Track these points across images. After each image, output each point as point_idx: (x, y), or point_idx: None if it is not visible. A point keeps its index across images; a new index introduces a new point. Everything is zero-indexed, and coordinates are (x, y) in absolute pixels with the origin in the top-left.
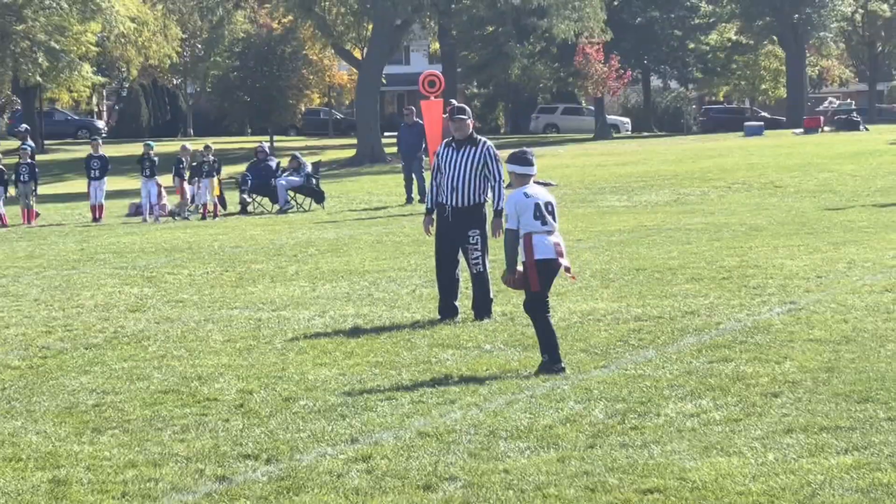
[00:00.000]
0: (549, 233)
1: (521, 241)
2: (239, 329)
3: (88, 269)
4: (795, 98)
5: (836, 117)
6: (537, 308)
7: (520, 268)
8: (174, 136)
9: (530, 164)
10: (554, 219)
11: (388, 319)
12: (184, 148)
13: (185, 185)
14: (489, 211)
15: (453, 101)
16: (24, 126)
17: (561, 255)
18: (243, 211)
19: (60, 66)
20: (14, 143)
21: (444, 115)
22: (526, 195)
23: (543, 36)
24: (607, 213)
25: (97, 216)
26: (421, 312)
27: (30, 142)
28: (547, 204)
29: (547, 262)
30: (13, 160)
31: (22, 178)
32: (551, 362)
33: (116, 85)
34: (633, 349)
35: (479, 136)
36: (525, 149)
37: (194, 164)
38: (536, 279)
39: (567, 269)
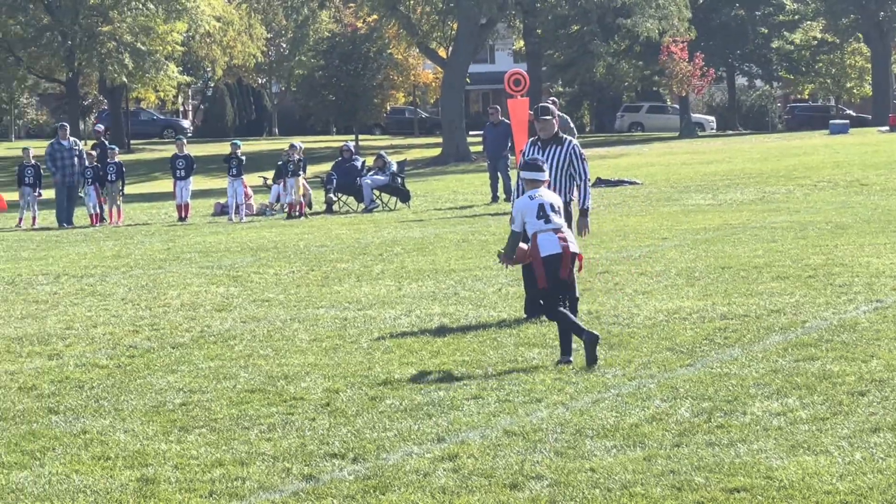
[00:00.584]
0: (555, 230)
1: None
2: (325, 328)
3: (175, 268)
4: (881, 96)
5: None
6: (552, 306)
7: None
8: (259, 135)
9: (540, 169)
10: (560, 217)
11: (475, 318)
12: (292, 146)
13: (303, 182)
14: (575, 210)
15: (549, 103)
16: (100, 126)
17: (567, 246)
18: (329, 210)
19: (146, 66)
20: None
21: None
22: (530, 198)
23: (628, 34)
24: (692, 211)
25: (183, 216)
26: (507, 311)
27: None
28: (551, 204)
29: (552, 258)
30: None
31: (109, 177)
32: (581, 338)
33: (202, 84)
34: (718, 347)
35: (564, 136)
36: (536, 157)
37: (280, 163)
38: (543, 276)
39: (579, 259)
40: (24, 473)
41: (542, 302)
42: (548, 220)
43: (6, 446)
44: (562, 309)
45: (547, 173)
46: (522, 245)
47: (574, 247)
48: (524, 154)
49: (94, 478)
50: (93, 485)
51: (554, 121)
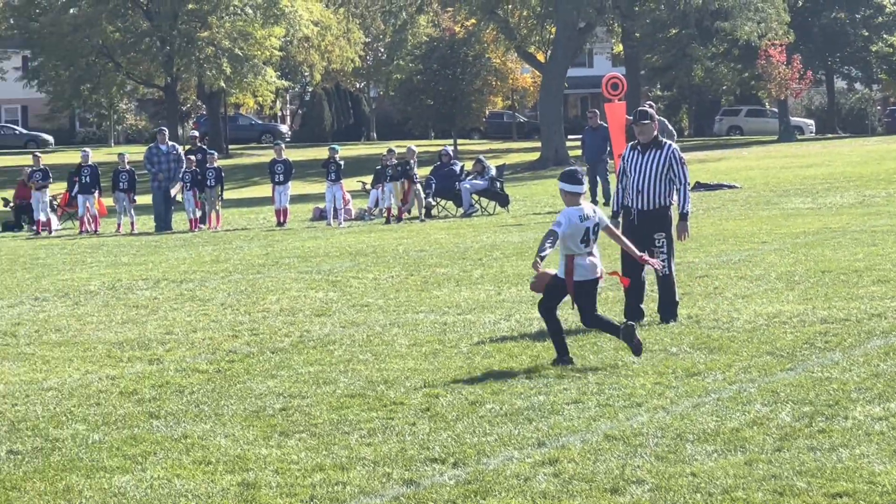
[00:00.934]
0: (589, 253)
1: (563, 259)
2: (424, 333)
3: (273, 273)
4: None
5: None
6: (550, 307)
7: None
8: (357, 139)
9: (580, 182)
10: (595, 238)
11: (574, 323)
12: (409, 150)
13: (416, 186)
14: (675, 214)
15: (647, 107)
16: (195, 132)
17: (600, 272)
18: (427, 214)
19: (244, 71)
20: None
21: (628, 118)
22: (581, 219)
23: (726, 38)
24: (792, 215)
25: (282, 221)
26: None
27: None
28: (595, 226)
29: (584, 283)
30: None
31: (209, 182)
32: (559, 356)
33: (300, 89)
34: (819, 351)
35: (663, 140)
36: (576, 167)
37: (378, 167)
38: (573, 289)
39: (614, 273)
40: (127, 478)
41: (542, 298)
42: (587, 245)
43: (108, 451)
44: (557, 317)
45: (585, 185)
46: (549, 271)
47: (600, 267)
48: (623, 158)
49: (196, 482)
50: (194, 489)
51: (653, 125)
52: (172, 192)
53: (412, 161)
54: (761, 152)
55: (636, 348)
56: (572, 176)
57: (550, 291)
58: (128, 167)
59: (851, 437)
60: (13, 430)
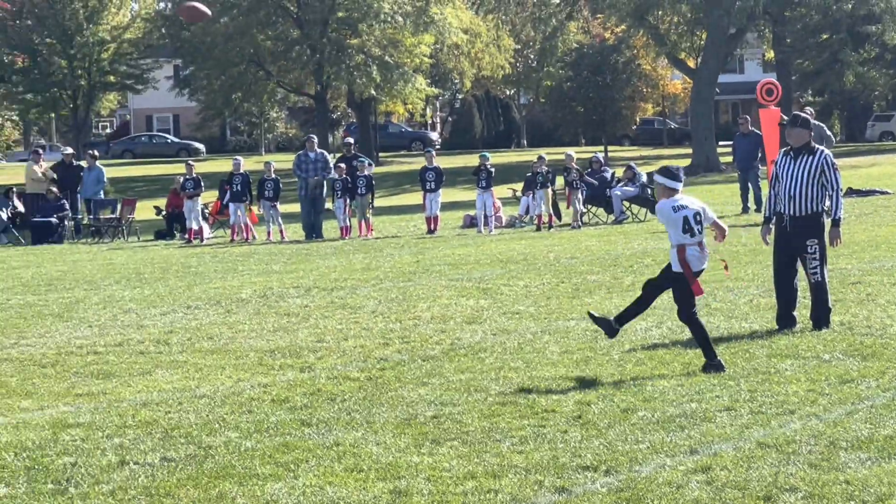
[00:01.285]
0: (699, 243)
1: (674, 251)
2: (576, 340)
3: (424, 281)
4: None
5: None
6: (692, 311)
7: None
8: (507, 147)
9: (677, 178)
10: (701, 227)
11: (726, 329)
12: (568, 156)
13: (575, 193)
14: (827, 220)
15: (805, 114)
16: (348, 139)
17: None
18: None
19: (394, 79)
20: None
21: (784, 120)
22: (674, 209)
23: (877, 43)
24: None
25: (432, 228)
26: (759, 322)
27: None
28: (696, 214)
29: (701, 272)
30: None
31: (360, 190)
32: (708, 360)
33: (449, 96)
34: None
35: (816, 145)
36: (677, 165)
37: (529, 174)
38: (699, 285)
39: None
40: (279, 485)
41: (683, 307)
42: (693, 234)
43: (261, 458)
44: (700, 320)
45: (682, 184)
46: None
47: (707, 259)
48: (776, 164)
49: (348, 490)
50: (346, 497)
51: (805, 132)
52: (312, 181)
53: (571, 166)
54: None
55: (717, 367)
56: (668, 170)
57: (681, 296)
58: (273, 175)
59: None
60: (167, 437)
